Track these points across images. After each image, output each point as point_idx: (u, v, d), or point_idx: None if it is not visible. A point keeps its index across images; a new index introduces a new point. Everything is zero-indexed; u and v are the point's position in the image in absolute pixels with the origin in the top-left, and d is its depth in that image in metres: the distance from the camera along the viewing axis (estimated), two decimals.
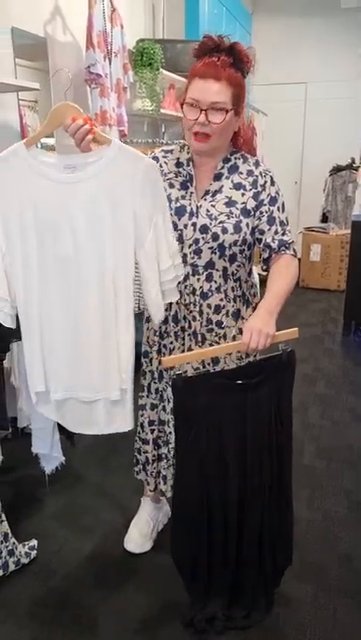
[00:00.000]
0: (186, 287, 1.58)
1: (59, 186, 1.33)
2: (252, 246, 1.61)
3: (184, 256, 1.55)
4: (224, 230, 1.52)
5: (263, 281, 1.56)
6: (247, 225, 1.54)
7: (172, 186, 1.57)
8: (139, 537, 1.93)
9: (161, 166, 1.60)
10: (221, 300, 1.59)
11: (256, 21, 6.36)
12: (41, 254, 1.36)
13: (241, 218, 1.53)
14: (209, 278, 1.57)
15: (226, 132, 1.50)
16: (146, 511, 1.99)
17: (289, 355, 1.46)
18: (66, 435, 2.07)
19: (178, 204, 1.55)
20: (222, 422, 1.44)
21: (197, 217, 1.54)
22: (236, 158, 1.58)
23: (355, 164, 5.94)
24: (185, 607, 1.63)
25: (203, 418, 1.43)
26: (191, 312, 1.60)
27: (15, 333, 1.69)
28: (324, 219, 6.17)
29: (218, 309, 1.60)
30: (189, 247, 1.54)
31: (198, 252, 1.55)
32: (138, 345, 1.57)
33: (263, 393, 1.45)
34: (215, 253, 1.54)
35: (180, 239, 1.54)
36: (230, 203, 1.54)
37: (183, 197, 1.56)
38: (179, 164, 1.60)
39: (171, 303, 1.59)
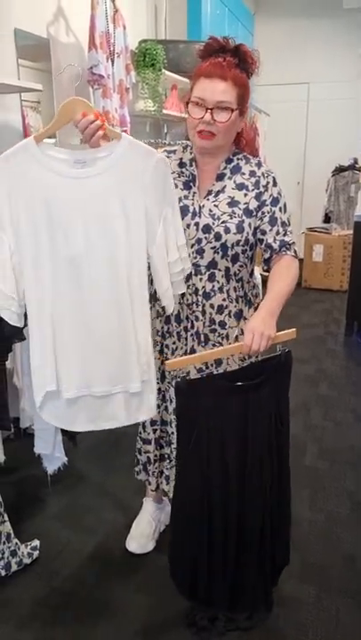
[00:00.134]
0: (188, 287, 1.58)
1: (69, 181, 1.32)
2: (255, 247, 1.61)
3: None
4: (227, 230, 1.52)
5: (265, 281, 1.56)
6: (249, 225, 1.54)
7: (174, 186, 1.58)
8: (141, 537, 1.93)
9: None
10: (224, 300, 1.59)
11: (258, 22, 6.36)
12: (52, 251, 1.35)
13: (243, 218, 1.53)
14: (211, 278, 1.57)
15: (230, 131, 1.51)
16: (148, 512, 1.99)
17: (287, 355, 1.48)
18: (68, 435, 2.07)
19: (181, 204, 1.55)
20: (224, 424, 1.44)
21: (200, 217, 1.54)
22: (238, 159, 1.59)
23: (357, 164, 5.94)
24: (187, 608, 1.63)
25: (205, 420, 1.43)
26: (194, 312, 1.61)
27: (18, 334, 1.70)
28: (327, 219, 6.17)
29: (220, 309, 1.60)
30: (192, 247, 1.55)
31: (201, 252, 1.55)
32: None
33: (264, 394, 1.45)
34: (218, 253, 1.54)
35: None
36: (233, 203, 1.54)
37: (186, 197, 1.56)
38: (182, 165, 1.60)
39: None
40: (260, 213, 1.55)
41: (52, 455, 2.01)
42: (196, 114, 1.46)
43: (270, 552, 1.58)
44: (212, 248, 1.54)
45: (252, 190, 1.55)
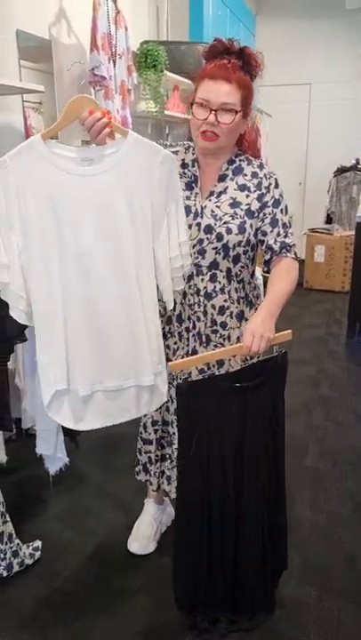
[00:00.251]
0: (190, 287, 1.58)
1: (76, 179, 1.32)
2: (256, 248, 1.61)
3: None
4: (228, 231, 1.52)
5: (266, 282, 1.56)
6: (251, 226, 1.54)
7: None
8: (142, 538, 1.93)
9: None
10: (225, 300, 1.59)
11: (260, 23, 6.37)
12: (61, 248, 1.35)
13: (245, 219, 1.53)
14: (213, 279, 1.58)
15: (233, 133, 1.52)
16: (149, 513, 1.99)
17: (283, 356, 1.49)
18: (70, 436, 2.08)
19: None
20: (225, 425, 1.45)
21: (202, 217, 1.54)
22: (240, 160, 1.59)
23: (359, 165, 5.94)
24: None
25: (206, 421, 1.44)
26: (195, 312, 1.61)
27: (19, 335, 1.70)
28: (329, 220, 6.16)
29: (222, 310, 1.60)
30: (193, 247, 1.55)
31: (202, 253, 1.55)
32: None
33: (262, 395, 1.47)
34: (219, 254, 1.55)
35: None
36: (235, 204, 1.54)
37: (188, 198, 1.56)
38: (184, 165, 1.61)
39: (175, 303, 1.61)
40: (261, 215, 1.55)
41: (53, 456, 2.01)
42: (200, 115, 1.47)
43: (269, 554, 1.58)
44: (213, 249, 1.54)
45: (254, 191, 1.55)
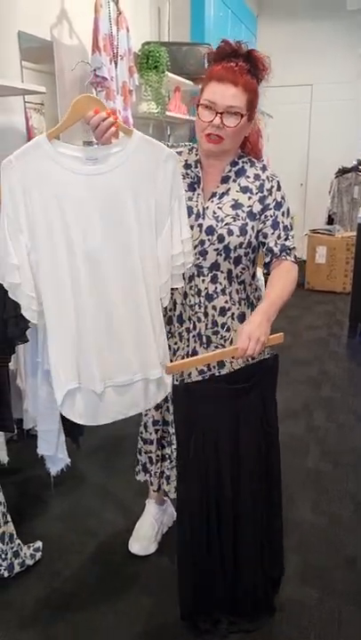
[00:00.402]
0: (191, 288, 1.59)
1: (82, 178, 1.33)
2: (257, 249, 1.61)
3: None
4: (230, 232, 1.52)
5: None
6: (252, 228, 1.54)
7: None
8: (143, 539, 1.94)
9: None
10: (226, 302, 1.60)
11: (261, 24, 6.37)
12: (69, 248, 1.36)
13: (247, 220, 1.53)
14: (214, 280, 1.58)
15: (238, 136, 1.52)
16: (150, 513, 1.99)
17: (274, 358, 1.51)
18: (71, 437, 2.08)
19: None
20: (220, 426, 1.46)
21: (204, 218, 1.54)
22: (243, 162, 1.59)
23: None
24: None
25: (203, 422, 1.45)
26: (196, 313, 1.61)
27: (21, 336, 1.70)
28: (330, 221, 6.16)
29: (223, 311, 1.60)
30: (195, 248, 1.55)
31: (204, 254, 1.55)
32: None
33: (254, 396, 1.48)
34: (220, 255, 1.55)
35: None
36: (237, 205, 1.54)
37: (190, 199, 1.56)
38: (187, 166, 1.61)
39: (175, 304, 1.62)
40: (263, 217, 1.55)
41: (55, 456, 2.01)
42: (206, 117, 1.47)
43: (266, 555, 1.59)
44: (215, 250, 1.54)
45: (257, 193, 1.55)
